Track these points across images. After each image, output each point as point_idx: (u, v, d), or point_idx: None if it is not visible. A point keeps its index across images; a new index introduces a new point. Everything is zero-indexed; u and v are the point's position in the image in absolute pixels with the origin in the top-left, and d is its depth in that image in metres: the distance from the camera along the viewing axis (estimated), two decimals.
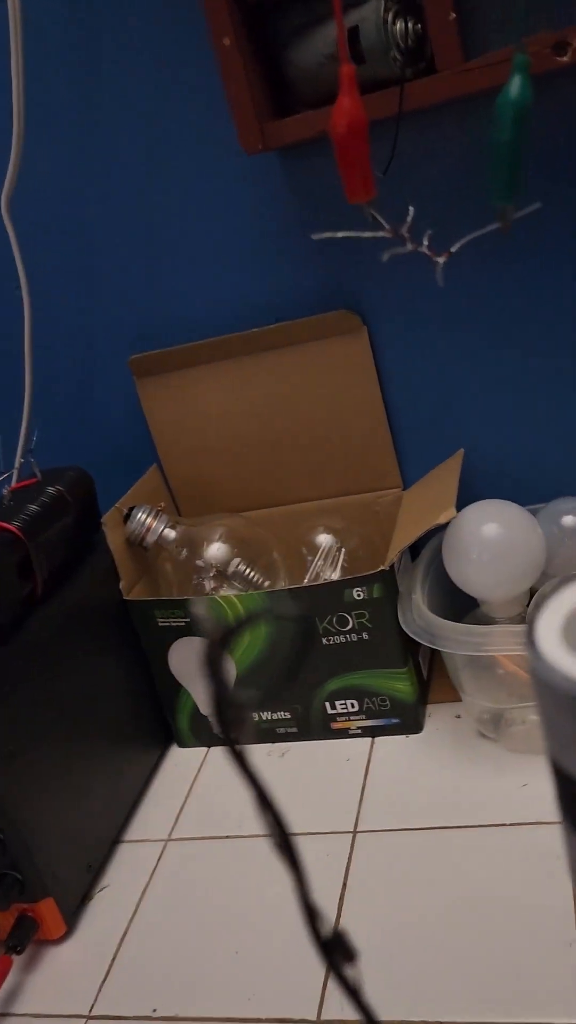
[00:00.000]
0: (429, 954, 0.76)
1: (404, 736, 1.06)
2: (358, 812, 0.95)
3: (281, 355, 1.12)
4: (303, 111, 0.92)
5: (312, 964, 0.77)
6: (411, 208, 0.76)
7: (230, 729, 0.23)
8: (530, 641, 0.27)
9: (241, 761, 0.25)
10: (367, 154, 0.71)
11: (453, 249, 0.76)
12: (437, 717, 1.08)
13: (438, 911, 0.80)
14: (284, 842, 0.27)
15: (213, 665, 0.23)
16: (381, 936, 0.79)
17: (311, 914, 0.28)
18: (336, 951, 0.28)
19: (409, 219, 0.76)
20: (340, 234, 0.77)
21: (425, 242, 0.77)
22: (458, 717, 1.06)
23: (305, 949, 0.75)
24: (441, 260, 0.76)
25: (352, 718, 1.07)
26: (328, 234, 0.83)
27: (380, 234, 0.77)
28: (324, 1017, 0.73)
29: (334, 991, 0.74)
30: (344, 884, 0.86)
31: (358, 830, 0.93)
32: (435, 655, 1.15)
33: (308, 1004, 0.74)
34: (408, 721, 1.06)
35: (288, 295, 1.11)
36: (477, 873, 0.83)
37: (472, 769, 0.97)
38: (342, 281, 1.08)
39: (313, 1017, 0.73)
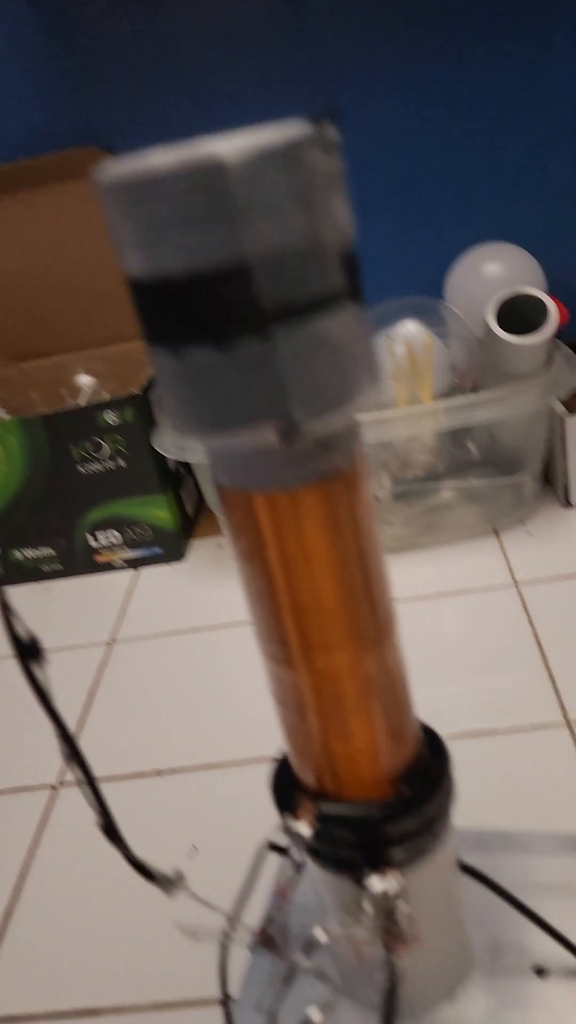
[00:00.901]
0: (167, 723, 0.80)
1: (167, 565, 1.09)
2: (116, 627, 0.98)
3: (32, 196, 1.10)
4: None
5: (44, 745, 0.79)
6: None
7: None
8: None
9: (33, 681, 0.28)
10: None
11: None
12: (201, 549, 1.12)
13: (187, 695, 0.84)
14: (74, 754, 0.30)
15: None
16: (130, 713, 0.83)
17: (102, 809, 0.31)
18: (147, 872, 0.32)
19: None
20: None
21: None
22: (220, 547, 1.11)
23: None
24: None
25: (115, 550, 1.09)
26: None
27: None
28: (66, 780, 0.76)
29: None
30: (98, 682, 0.88)
31: (116, 639, 0.95)
32: (202, 498, 1.18)
33: (49, 772, 0.77)
34: (170, 550, 1.09)
35: (35, 129, 1.09)
36: (228, 663, 0.88)
37: (229, 587, 1.01)
38: (91, 116, 1.08)
39: (54, 782, 0.76)
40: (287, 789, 0.41)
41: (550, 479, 1.04)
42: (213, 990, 0.53)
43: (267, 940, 0.36)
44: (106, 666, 0.91)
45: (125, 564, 1.10)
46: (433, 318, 0.94)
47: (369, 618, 0.36)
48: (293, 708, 0.38)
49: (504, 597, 0.87)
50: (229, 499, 0.34)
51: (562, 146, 1.07)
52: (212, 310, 0.29)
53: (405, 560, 0.97)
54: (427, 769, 0.40)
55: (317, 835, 0.38)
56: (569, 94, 1.05)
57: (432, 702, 0.76)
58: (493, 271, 0.98)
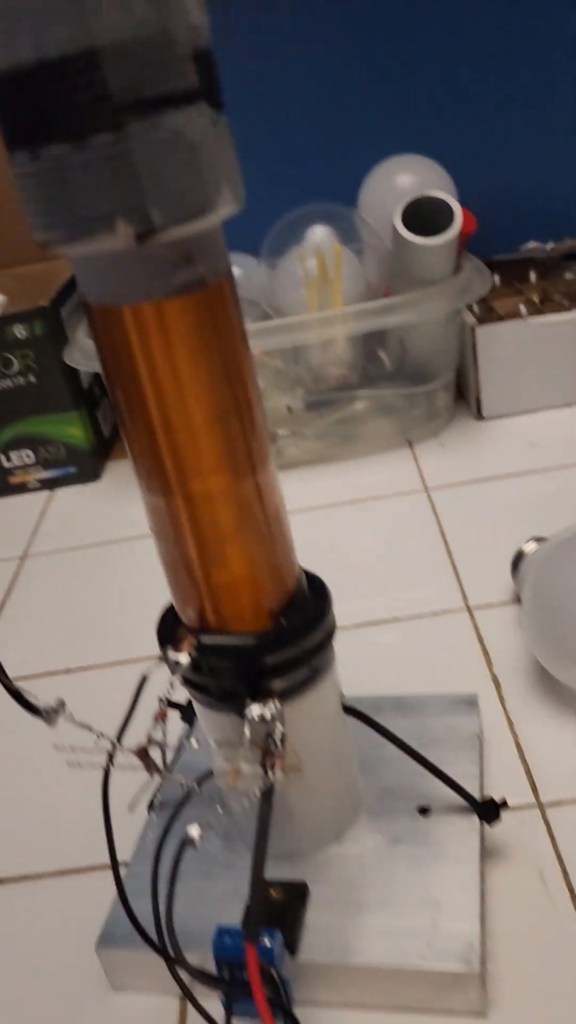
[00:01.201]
0: (77, 627, 0.80)
1: (82, 485, 1.09)
2: (28, 544, 0.97)
3: None
4: None
5: None
6: None
7: None
8: None
9: None
10: None
11: None
12: (117, 469, 1.11)
13: (97, 601, 0.84)
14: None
15: None
16: (41, 621, 0.82)
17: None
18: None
19: None
20: None
21: None
22: None
23: None
24: None
25: (29, 470, 1.08)
26: None
27: None
28: None
29: None
30: (9, 594, 0.88)
31: (28, 554, 0.95)
32: None
33: None
34: (85, 469, 1.08)
35: None
36: (140, 571, 0.88)
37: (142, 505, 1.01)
38: None
39: None
40: (170, 628, 0.42)
41: (463, 393, 1.06)
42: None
43: (145, 757, 0.37)
44: (17, 579, 0.90)
45: (39, 485, 1.09)
46: (345, 227, 0.94)
47: (241, 441, 0.36)
48: (172, 539, 0.38)
49: (414, 502, 0.89)
50: (98, 317, 0.34)
51: (475, 57, 1.08)
52: (64, 102, 0.29)
53: (319, 472, 0.98)
54: (307, 605, 0.41)
55: (196, 665, 0.39)
56: (482, 6, 1.05)
57: (343, 598, 0.77)
58: (405, 182, 0.98)
